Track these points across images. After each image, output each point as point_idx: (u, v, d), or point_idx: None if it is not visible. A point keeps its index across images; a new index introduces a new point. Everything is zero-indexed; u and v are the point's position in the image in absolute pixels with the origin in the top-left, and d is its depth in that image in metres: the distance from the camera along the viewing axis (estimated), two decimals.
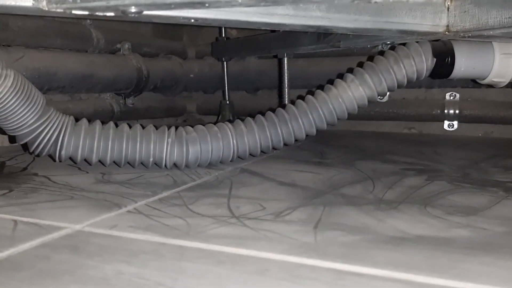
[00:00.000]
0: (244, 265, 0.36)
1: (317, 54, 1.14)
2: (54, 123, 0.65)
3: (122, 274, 0.34)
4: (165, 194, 0.58)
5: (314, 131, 0.78)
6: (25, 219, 0.47)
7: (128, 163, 0.70)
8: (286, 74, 0.99)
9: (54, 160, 0.69)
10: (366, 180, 0.66)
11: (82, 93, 1.04)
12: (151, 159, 0.70)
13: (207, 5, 0.36)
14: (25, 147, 0.69)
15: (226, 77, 1.27)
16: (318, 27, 0.49)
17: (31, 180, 0.64)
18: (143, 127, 0.71)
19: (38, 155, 0.68)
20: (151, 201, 0.55)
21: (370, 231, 0.44)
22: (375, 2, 0.37)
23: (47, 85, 0.88)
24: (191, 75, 1.29)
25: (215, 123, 0.77)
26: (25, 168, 0.72)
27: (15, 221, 0.46)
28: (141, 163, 0.70)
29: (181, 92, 1.33)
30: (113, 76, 1.02)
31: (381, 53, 0.82)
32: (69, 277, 0.34)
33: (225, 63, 1.26)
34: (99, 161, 0.69)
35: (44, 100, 0.65)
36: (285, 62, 0.99)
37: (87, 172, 0.70)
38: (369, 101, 0.78)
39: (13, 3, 0.39)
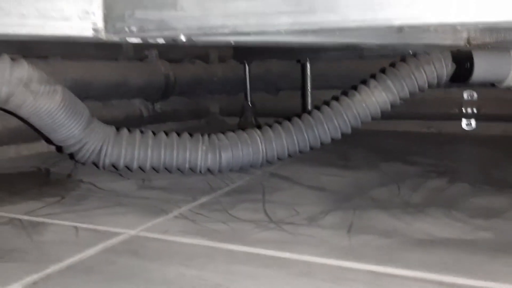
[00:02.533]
0: (289, 268, 0.41)
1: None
2: (98, 134, 0.70)
3: (183, 276, 0.39)
4: (204, 199, 0.63)
5: (339, 136, 0.82)
6: (83, 226, 0.52)
7: (166, 169, 0.75)
8: (309, 79, 1.03)
9: (98, 168, 0.73)
10: (391, 183, 0.69)
11: (114, 100, 1.09)
12: (187, 165, 0.74)
13: (251, 34, 0.40)
14: (71, 155, 0.74)
15: (248, 79, 1.31)
16: (348, 44, 0.53)
17: (78, 187, 0.69)
18: (178, 134, 0.76)
19: (83, 163, 0.73)
20: (193, 206, 0.59)
21: (400, 234, 0.48)
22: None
23: (83, 94, 0.92)
24: (215, 78, 1.33)
25: (238, 124, 0.81)
26: (69, 175, 0.77)
27: (76, 228, 0.51)
28: (178, 169, 0.75)
29: (205, 95, 1.38)
30: (143, 83, 1.07)
31: (403, 58, 0.85)
32: (137, 279, 0.38)
33: (247, 66, 1.31)
34: (139, 167, 0.74)
35: (88, 112, 0.70)
36: (308, 67, 1.03)
37: (128, 178, 0.74)
38: (391, 106, 0.82)
39: (76, 34, 0.44)
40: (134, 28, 0.43)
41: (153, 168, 0.75)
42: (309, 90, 1.03)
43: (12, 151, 0.93)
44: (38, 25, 0.43)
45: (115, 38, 0.44)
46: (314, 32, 0.38)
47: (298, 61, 1.08)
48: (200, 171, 0.75)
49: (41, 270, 0.40)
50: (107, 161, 0.71)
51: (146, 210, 0.57)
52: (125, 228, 0.50)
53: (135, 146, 0.72)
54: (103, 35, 0.45)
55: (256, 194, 0.65)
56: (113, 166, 0.74)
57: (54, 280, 0.38)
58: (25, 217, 0.54)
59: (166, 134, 0.76)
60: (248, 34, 0.40)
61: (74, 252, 0.44)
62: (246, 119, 1.33)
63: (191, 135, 0.77)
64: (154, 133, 0.75)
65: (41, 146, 0.99)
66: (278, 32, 0.39)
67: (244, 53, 1.29)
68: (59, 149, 0.75)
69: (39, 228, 0.51)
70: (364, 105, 0.80)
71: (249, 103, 1.33)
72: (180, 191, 0.67)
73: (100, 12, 0.44)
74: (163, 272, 0.40)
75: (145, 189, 0.68)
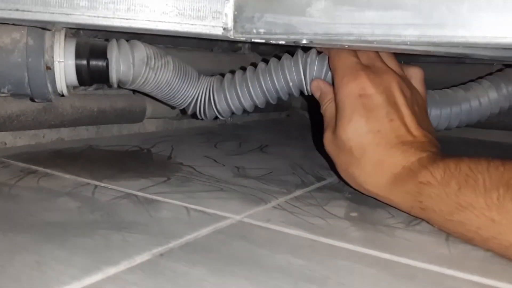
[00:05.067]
0: (391, 269, 0.43)
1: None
2: (203, 86, 0.74)
3: (292, 265, 0.42)
4: (298, 193, 0.65)
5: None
6: (193, 206, 0.56)
7: (279, 98, 0.74)
8: None
9: (217, 118, 0.78)
10: None
11: None
12: (291, 84, 0.70)
13: (374, 43, 0.42)
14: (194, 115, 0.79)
15: None
16: (458, 54, 0.53)
17: (180, 170, 0.74)
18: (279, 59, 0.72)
19: (202, 119, 0.78)
20: (289, 198, 0.62)
21: None
22: None
23: None
24: None
25: None
26: (169, 157, 0.83)
27: (187, 208, 0.56)
28: (288, 94, 0.73)
29: None
30: None
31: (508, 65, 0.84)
32: (251, 262, 0.42)
33: None
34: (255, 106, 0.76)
35: (195, 71, 0.75)
36: None
37: (224, 165, 0.79)
38: (500, 110, 0.81)
39: (207, 32, 0.48)
40: (262, 30, 0.46)
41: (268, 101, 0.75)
42: None
43: (115, 130, 1.01)
44: (176, 22, 0.47)
45: (242, 38, 0.48)
46: (439, 45, 0.39)
47: None
48: (307, 90, 0.70)
49: (165, 244, 0.44)
50: (219, 108, 0.74)
51: (246, 198, 0.61)
52: (231, 213, 0.54)
53: (236, 86, 0.73)
54: (231, 35, 0.48)
55: (347, 192, 0.67)
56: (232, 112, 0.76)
57: (177, 254, 0.43)
58: (139, 193, 0.60)
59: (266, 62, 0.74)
60: (371, 42, 0.42)
61: (189, 230, 0.48)
62: None
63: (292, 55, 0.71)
64: (255, 68, 0.75)
65: (138, 128, 1.07)
66: (403, 43, 0.40)
67: None
68: (183, 111, 0.81)
69: (154, 204, 0.56)
70: (478, 101, 0.79)
71: None
72: (273, 182, 0.70)
73: (231, 13, 0.47)
74: (272, 258, 0.43)
75: (241, 178, 0.72)
